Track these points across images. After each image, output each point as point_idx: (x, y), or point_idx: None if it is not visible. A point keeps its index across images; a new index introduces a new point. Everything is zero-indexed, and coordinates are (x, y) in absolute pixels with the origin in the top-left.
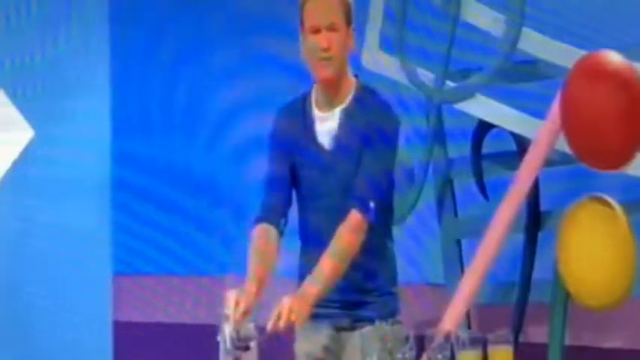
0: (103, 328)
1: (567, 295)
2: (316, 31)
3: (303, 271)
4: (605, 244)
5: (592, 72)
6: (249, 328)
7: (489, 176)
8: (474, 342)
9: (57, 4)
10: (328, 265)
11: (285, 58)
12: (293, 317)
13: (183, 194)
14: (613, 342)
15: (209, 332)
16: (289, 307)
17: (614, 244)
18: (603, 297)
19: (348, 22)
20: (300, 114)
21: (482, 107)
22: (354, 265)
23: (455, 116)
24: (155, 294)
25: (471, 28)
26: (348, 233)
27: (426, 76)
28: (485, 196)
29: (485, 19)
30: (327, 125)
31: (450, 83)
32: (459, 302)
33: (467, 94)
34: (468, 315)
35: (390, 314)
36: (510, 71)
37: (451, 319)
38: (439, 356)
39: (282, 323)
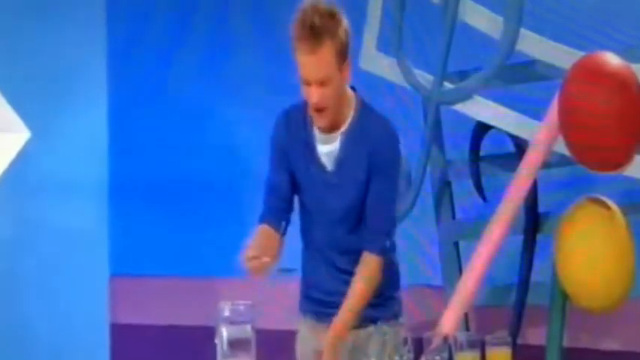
0: (100, 330)
1: (565, 297)
2: (307, 82)
3: (306, 272)
4: (603, 245)
5: (590, 73)
6: (247, 329)
7: (487, 178)
8: (472, 344)
9: (54, 3)
10: (346, 312)
11: (283, 56)
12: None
13: (181, 195)
14: (611, 344)
15: (206, 334)
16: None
17: (612, 246)
18: (601, 299)
19: (342, 60)
20: (301, 129)
21: (480, 108)
22: None
23: (453, 118)
24: (152, 296)
25: (469, 29)
26: (365, 283)
27: (424, 77)
28: (483, 198)
29: (483, 21)
30: (327, 147)
31: (447, 84)
32: (457, 304)
33: (465, 96)
34: (466, 317)
35: (392, 316)
36: (508, 72)
37: (449, 321)
38: (437, 358)
39: None
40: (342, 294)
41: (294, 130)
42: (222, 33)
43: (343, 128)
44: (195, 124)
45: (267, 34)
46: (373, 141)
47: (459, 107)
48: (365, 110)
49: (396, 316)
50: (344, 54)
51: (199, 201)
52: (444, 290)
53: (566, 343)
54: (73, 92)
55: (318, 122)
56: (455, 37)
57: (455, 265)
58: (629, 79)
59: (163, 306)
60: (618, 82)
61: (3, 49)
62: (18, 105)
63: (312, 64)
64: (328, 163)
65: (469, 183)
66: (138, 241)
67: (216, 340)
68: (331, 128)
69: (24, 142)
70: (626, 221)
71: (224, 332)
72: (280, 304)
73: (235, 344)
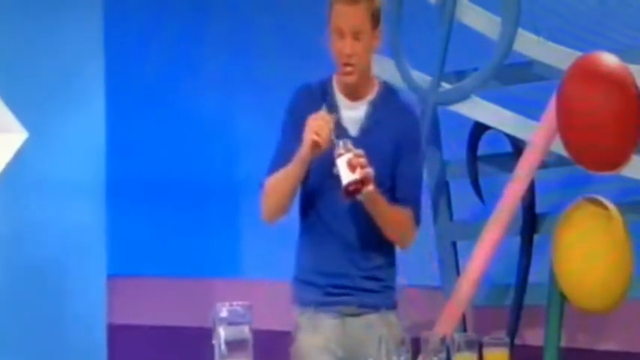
0: (97, 331)
1: (563, 298)
2: (341, 34)
3: (306, 255)
4: (600, 246)
5: (587, 73)
6: (244, 330)
7: (485, 178)
8: (469, 344)
9: (51, 3)
10: (381, 199)
11: (279, 55)
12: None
13: (179, 196)
14: (608, 344)
15: (204, 335)
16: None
17: (609, 246)
18: (599, 299)
19: (375, 25)
20: (320, 97)
21: (478, 109)
22: (366, 256)
23: (450, 118)
24: (150, 297)
25: (467, 29)
26: (404, 215)
27: (421, 78)
28: (481, 198)
29: (481, 21)
30: (353, 113)
31: (445, 85)
32: (455, 304)
33: (462, 96)
34: (463, 317)
35: (392, 306)
36: (506, 73)
37: (447, 322)
38: (435, 359)
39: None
40: (348, 276)
41: (315, 98)
42: (221, 33)
43: (370, 97)
44: (193, 125)
45: (268, 34)
46: (403, 116)
47: (456, 108)
48: (389, 87)
49: (394, 306)
50: (377, 20)
51: (197, 201)
52: (442, 291)
53: (563, 344)
54: (70, 92)
55: (347, 77)
56: (452, 38)
57: (452, 265)
58: (626, 79)
59: (161, 307)
60: (615, 82)
61: (0, 50)
62: (15, 105)
63: (350, 13)
64: (352, 128)
65: (467, 183)
66: (135, 242)
67: (214, 341)
68: (357, 96)
69: (21, 143)
70: (624, 221)
71: (222, 333)
72: (278, 304)
73: (233, 345)
